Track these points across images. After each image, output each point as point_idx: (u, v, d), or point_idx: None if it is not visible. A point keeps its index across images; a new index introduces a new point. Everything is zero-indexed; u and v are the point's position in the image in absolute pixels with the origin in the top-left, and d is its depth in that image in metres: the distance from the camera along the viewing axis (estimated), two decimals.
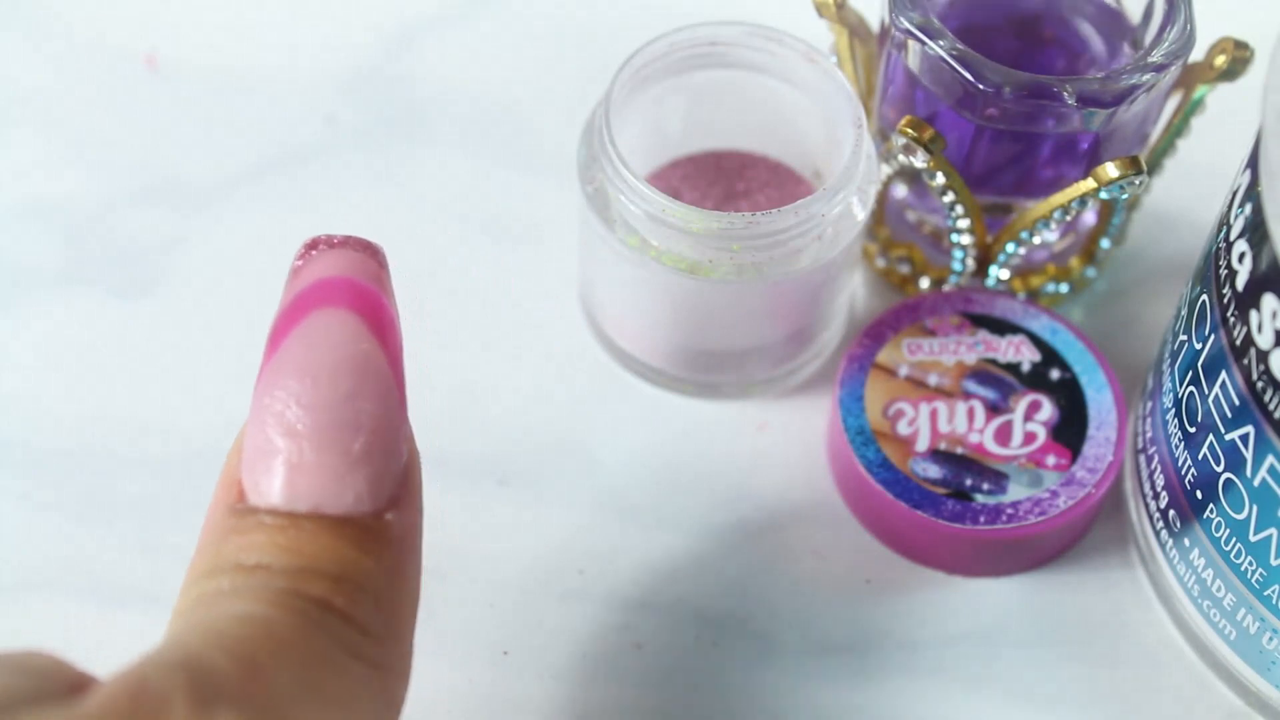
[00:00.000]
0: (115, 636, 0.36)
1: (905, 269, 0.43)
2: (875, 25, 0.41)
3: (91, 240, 0.44)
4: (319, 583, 0.25)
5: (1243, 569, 0.33)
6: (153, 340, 0.42)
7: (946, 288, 0.42)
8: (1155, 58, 0.36)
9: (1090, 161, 0.38)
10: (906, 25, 0.37)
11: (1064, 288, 0.43)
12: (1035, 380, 0.39)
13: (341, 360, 0.27)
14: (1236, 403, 0.31)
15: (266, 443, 0.26)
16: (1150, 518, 0.37)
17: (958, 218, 0.40)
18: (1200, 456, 0.33)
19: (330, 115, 0.47)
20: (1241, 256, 0.30)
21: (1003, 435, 0.38)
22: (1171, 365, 0.35)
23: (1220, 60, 0.38)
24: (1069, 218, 0.38)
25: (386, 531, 0.27)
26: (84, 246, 0.44)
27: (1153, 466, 0.36)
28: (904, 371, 0.39)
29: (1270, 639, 0.34)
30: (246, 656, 0.23)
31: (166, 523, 0.39)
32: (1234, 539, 0.33)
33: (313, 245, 0.28)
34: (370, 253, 0.29)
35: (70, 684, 0.23)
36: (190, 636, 0.24)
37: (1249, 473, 0.31)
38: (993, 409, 0.38)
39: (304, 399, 0.26)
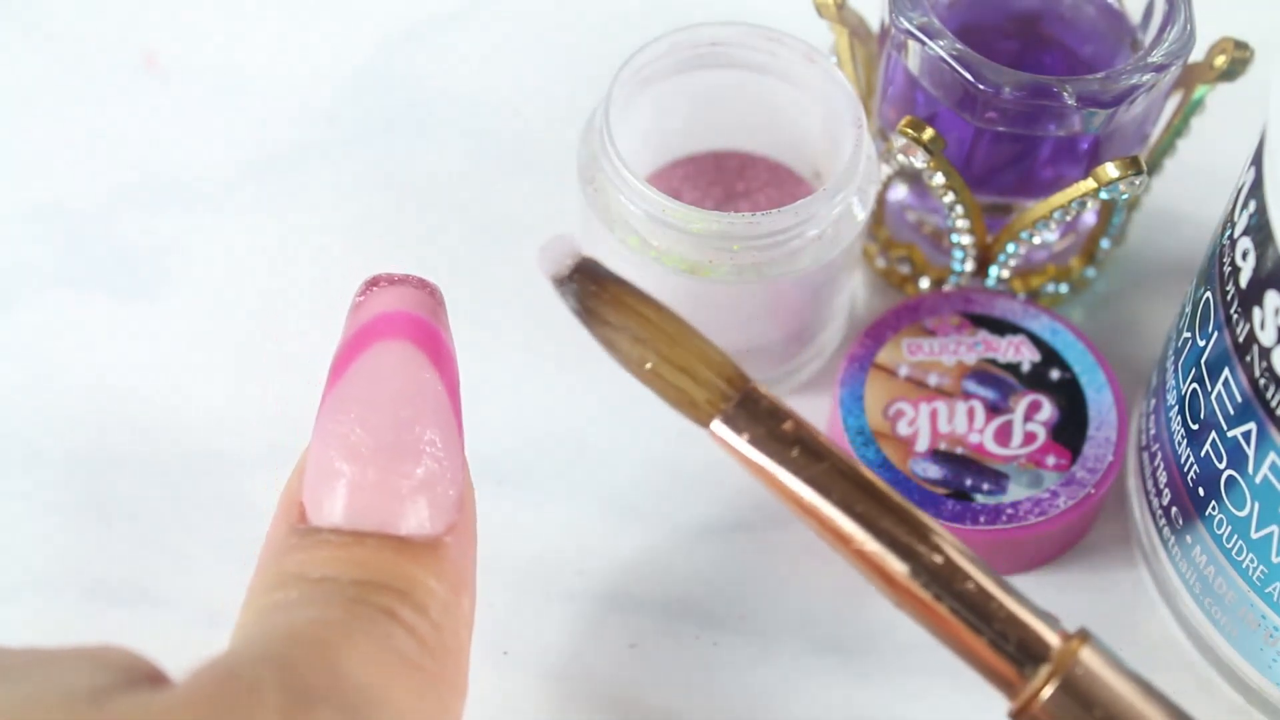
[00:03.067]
0: (115, 636, 0.36)
1: (905, 269, 0.43)
2: (875, 25, 0.41)
3: (91, 240, 0.44)
4: (384, 595, 0.26)
5: (1244, 566, 0.33)
6: (153, 340, 0.42)
7: (946, 288, 0.42)
8: (1155, 58, 0.36)
9: (1090, 162, 0.38)
10: (906, 25, 0.37)
11: (1064, 288, 0.43)
12: (1035, 380, 0.39)
13: (403, 388, 0.28)
14: (1239, 400, 0.31)
15: (330, 466, 0.27)
16: (1153, 515, 0.37)
17: (958, 218, 0.40)
18: (1203, 454, 0.33)
19: (331, 115, 0.47)
20: (1245, 254, 0.30)
21: (1003, 435, 0.38)
22: (1175, 363, 0.35)
23: (1220, 60, 0.38)
24: (1069, 218, 0.38)
25: (446, 553, 0.27)
26: (84, 246, 0.44)
27: (1156, 464, 0.36)
28: (904, 371, 0.39)
29: (1272, 636, 0.34)
30: (326, 656, 0.24)
31: (166, 523, 0.39)
32: (1236, 536, 0.33)
33: (374, 283, 0.30)
34: (428, 290, 0.30)
35: (149, 676, 0.23)
36: (266, 636, 0.24)
37: (1251, 470, 0.31)
38: (993, 409, 0.38)
39: (368, 424, 0.27)
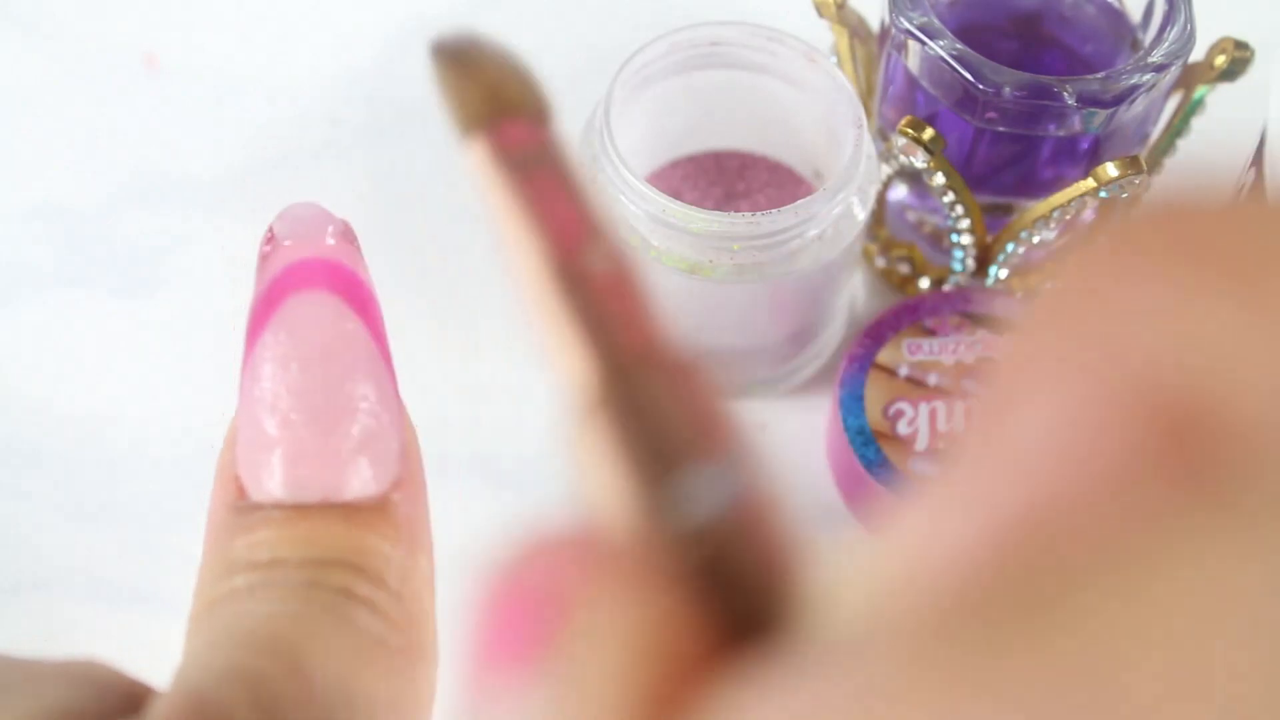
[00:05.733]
0: (115, 636, 0.36)
1: (905, 269, 0.43)
2: (875, 25, 0.41)
3: (91, 240, 0.44)
4: (338, 572, 0.25)
5: None
6: (153, 340, 0.42)
7: (946, 288, 0.42)
8: (1155, 58, 0.36)
9: (1090, 161, 0.38)
10: (907, 25, 0.37)
11: None
12: None
13: (327, 343, 0.26)
14: None
15: (261, 435, 0.26)
16: None
17: (958, 218, 0.40)
18: None
19: (331, 115, 0.47)
20: None
21: None
22: None
23: (1220, 60, 0.38)
24: (1069, 217, 0.38)
25: (395, 513, 0.26)
26: (84, 246, 0.44)
27: None
28: (904, 371, 0.39)
29: None
30: (290, 658, 0.23)
31: (166, 523, 0.39)
32: None
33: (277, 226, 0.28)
34: (337, 228, 0.28)
35: (129, 696, 0.23)
36: (225, 642, 0.24)
37: None
38: None
39: (294, 385, 0.26)
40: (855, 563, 0.12)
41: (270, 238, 0.28)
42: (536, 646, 0.13)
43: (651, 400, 0.15)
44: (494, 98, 0.22)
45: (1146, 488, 0.09)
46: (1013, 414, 0.11)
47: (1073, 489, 0.10)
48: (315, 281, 0.27)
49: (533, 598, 0.13)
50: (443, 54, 0.22)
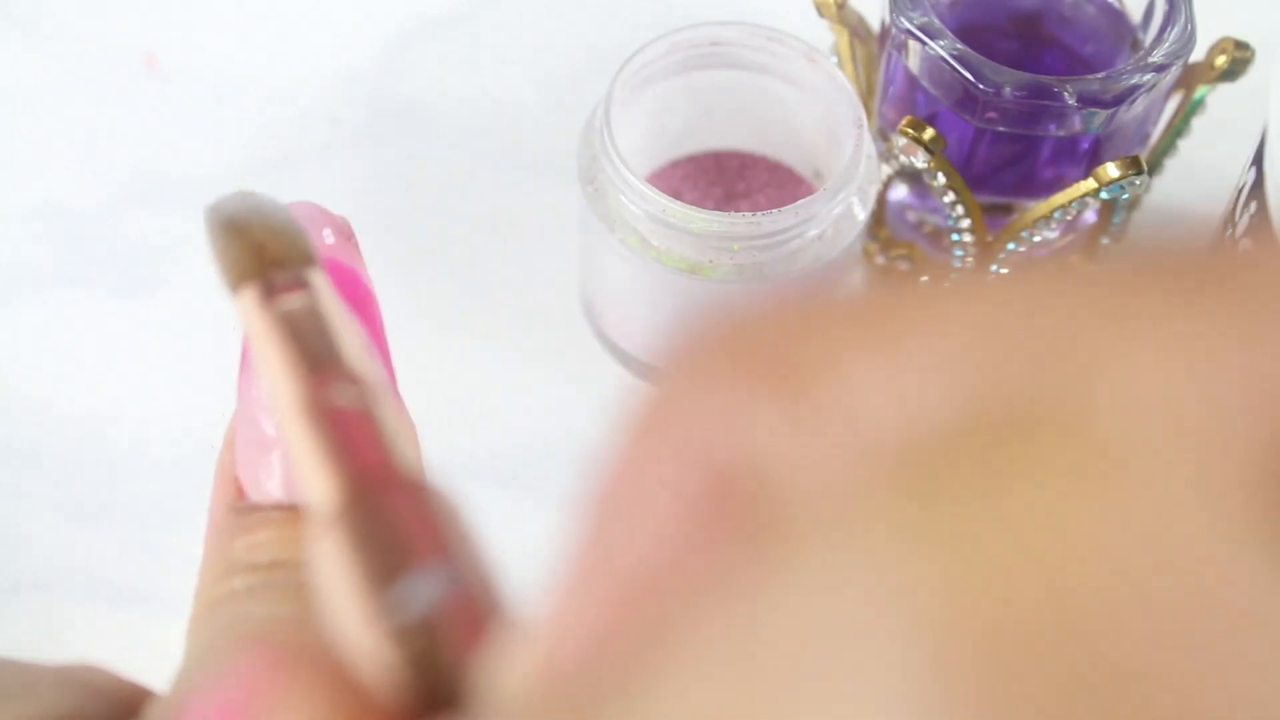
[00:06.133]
0: (115, 636, 0.36)
1: (905, 268, 0.43)
2: (875, 25, 0.41)
3: (91, 240, 0.44)
4: None
5: None
6: (153, 340, 0.42)
7: None
8: (1155, 58, 0.36)
9: (1091, 161, 0.38)
10: (907, 25, 0.37)
11: None
12: None
13: None
14: None
15: (259, 436, 0.26)
16: None
17: (958, 218, 0.39)
18: None
19: (331, 115, 0.47)
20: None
21: None
22: None
23: (1220, 60, 0.38)
24: (1069, 217, 0.38)
25: None
26: (84, 246, 0.44)
27: None
28: None
29: None
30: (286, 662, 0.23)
31: (166, 523, 0.39)
32: None
33: None
34: (333, 223, 0.28)
35: (125, 701, 0.23)
36: (223, 646, 0.24)
37: None
38: None
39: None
40: (520, 648, 0.15)
41: None
42: None
43: (379, 514, 0.17)
44: (259, 254, 0.24)
45: (702, 553, 0.12)
46: (616, 497, 0.14)
47: (649, 566, 0.13)
48: None
49: (235, 707, 0.15)
50: (215, 217, 0.25)
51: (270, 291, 0.23)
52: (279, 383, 0.22)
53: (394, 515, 0.17)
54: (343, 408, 0.20)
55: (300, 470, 0.20)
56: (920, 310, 0.13)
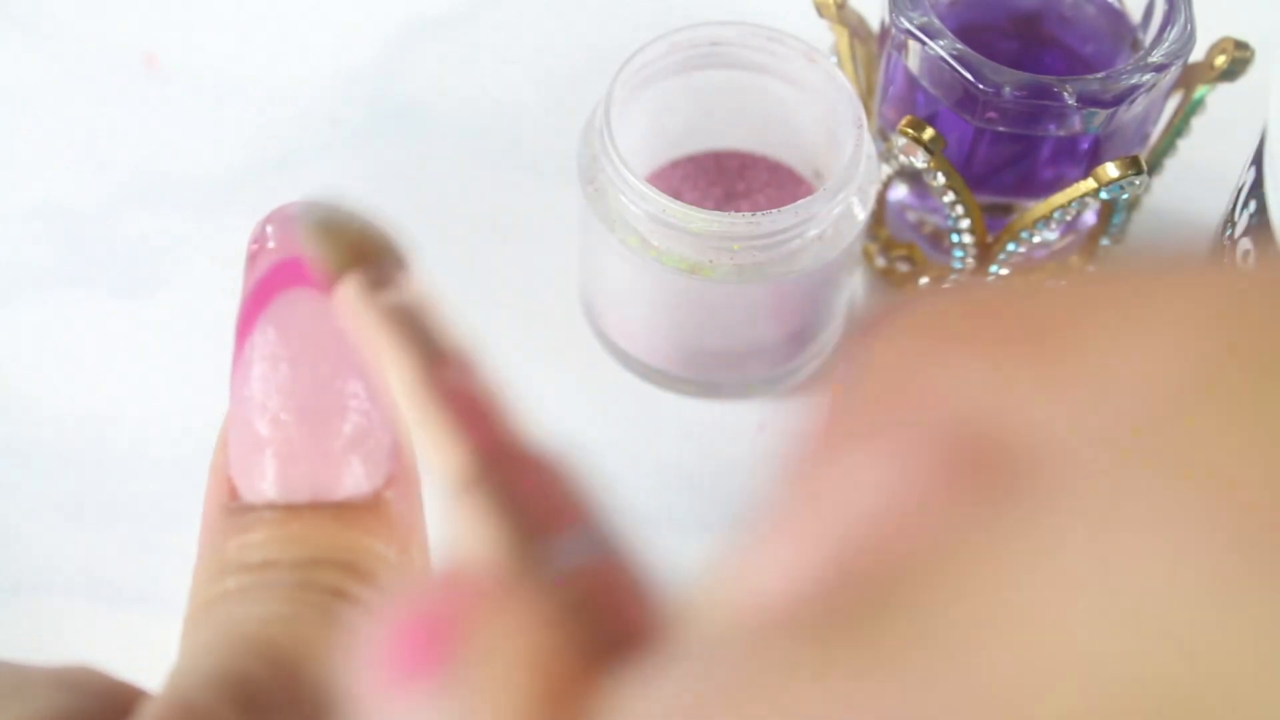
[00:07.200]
0: (115, 636, 0.36)
1: (905, 269, 0.43)
2: (875, 25, 0.41)
3: (91, 240, 0.44)
4: (329, 572, 0.25)
5: None
6: (152, 340, 0.42)
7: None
8: (1155, 58, 0.36)
9: (1091, 161, 0.38)
10: (907, 25, 0.37)
11: None
12: None
13: (315, 341, 0.26)
14: None
15: (252, 435, 0.26)
16: None
17: (958, 218, 0.40)
18: None
19: (331, 115, 0.47)
20: (1246, 254, 0.30)
21: None
22: None
23: (1220, 60, 0.38)
24: (1069, 218, 0.38)
25: (388, 511, 0.26)
26: (84, 246, 0.44)
27: None
28: None
29: None
30: (279, 660, 0.23)
31: (166, 523, 0.39)
32: None
33: (266, 225, 0.28)
34: None
35: (119, 702, 0.23)
36: (216, 646, 0.24)
37: None
38: None
39: (283, 384, 0.26)
40: (709, 594, 0.15)
41: (258, 235, 0.28)
42: (437, 664, 0.15)
43: (516, 482, 0.18)
44: (358, 249, 0.25)
45: (953, 506, 0.12)
46: (834, 463, 0.14)
47: (891, 516, 0.12)
48: (302, 279, 0.27)
49: (433, 623, 0.15)
50: (313, 214, 0.25)
51: (373, 284, 0.24)
52: (396, 367, 0.22)
53: (531, 483, 0.18)
54: (461, 388, 0.21)
55: (427, 447, 0.20)
56: (1148, 281, 0.13)
